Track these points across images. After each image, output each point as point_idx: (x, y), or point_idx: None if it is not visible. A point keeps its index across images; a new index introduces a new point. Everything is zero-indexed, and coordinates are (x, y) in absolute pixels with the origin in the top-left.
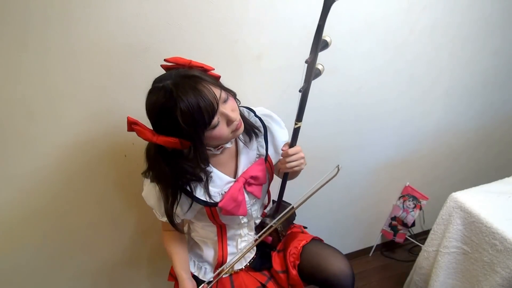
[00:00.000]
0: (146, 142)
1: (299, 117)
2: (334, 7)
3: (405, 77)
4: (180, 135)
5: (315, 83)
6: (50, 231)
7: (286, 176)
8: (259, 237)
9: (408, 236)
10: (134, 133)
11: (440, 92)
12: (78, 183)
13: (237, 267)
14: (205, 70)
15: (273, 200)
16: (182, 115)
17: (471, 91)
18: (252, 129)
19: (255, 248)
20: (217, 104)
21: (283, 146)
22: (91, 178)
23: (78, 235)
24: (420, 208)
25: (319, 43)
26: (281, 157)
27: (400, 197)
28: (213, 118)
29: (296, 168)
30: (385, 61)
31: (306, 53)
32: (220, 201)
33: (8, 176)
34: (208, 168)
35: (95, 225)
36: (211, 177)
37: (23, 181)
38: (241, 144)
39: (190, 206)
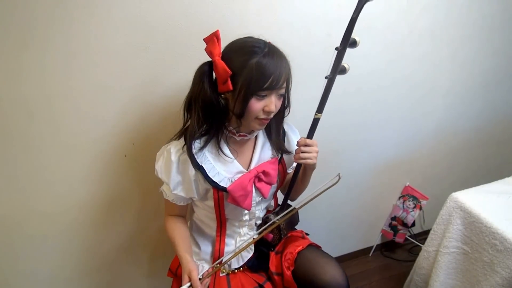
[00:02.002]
0: (146, 144)
1: (320, 108)
2: (332, 8)
3: (405, 77)
4: (236, 76)
5: (313, 83)
6: (49, 231)
7: (296, 177)
8: (261, 232)
9: (408, 236)
10: (134, 133)
11: (440, 92)
12: (78, 183)
13: (234, 266)
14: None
15: (279, 205)
16: (256, 64)
17: (471, 91)
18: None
19: (253, 248)
20: (278, 87)
21: (300, 138)
22: (90, 178)
23: (76, 235)
24: (420, 208)
25: (350, 34)
26: (296, 147)
27: (400, 197)
28: (268, 89)
29: (308, 161)
30: (385, 61)
31: (306, 53)
32: (230, 185)
33: (7, 177)
34: (223, 144)
35: (94, 224)
36: (225, 154)
37: (22, 182)
38: (259, 141)
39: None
